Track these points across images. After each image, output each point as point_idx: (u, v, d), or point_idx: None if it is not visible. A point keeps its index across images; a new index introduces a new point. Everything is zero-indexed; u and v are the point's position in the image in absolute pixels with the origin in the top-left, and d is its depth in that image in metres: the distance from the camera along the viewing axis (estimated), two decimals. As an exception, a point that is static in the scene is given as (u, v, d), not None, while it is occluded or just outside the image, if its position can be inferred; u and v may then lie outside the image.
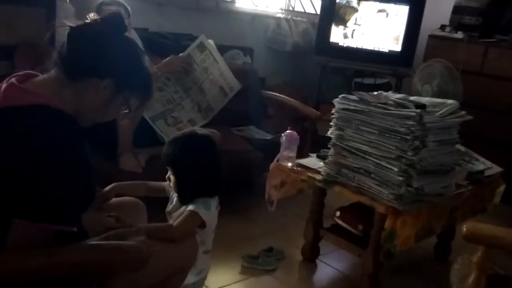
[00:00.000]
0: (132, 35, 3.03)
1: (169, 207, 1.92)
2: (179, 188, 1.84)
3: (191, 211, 1.75)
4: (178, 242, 1.63)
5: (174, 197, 1.91)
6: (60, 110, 1.27)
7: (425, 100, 2.32)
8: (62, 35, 1.35)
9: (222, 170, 1.88)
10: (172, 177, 1.84)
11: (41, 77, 1.35)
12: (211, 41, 3.28)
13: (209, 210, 1.78)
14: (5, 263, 1.17)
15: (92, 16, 1.35)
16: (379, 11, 4.22)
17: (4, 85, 1.29)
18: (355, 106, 2.24)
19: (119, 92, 1.37)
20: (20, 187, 1.18)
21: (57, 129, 1.24)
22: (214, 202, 1.83)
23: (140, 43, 3.23)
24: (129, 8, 2.78)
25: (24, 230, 1.20)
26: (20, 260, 1.18)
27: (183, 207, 1.81)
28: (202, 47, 3.21)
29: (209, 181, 1.82)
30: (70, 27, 1.33)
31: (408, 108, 2.10)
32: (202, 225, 1.78)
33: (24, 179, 1.18)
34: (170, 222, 1.84)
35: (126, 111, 1.44)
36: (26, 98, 1.25)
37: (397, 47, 4.21)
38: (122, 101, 1.40)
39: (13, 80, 1.30)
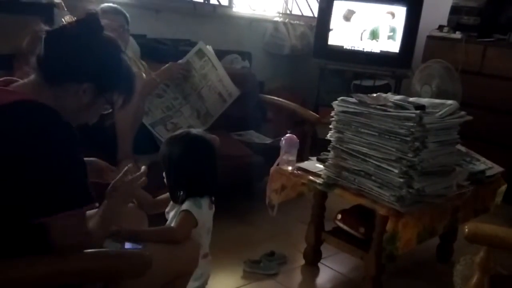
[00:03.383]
0: (131, 42, 3.04)
1: (168, 207, 1.93)
2: (170, 185, 1.85)
3: (185, 210, 1.76)
4: (180, 243, 1.65)
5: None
6: (43, 104, 1.26)
7: (424, 101, 2.32)
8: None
9: (215, 171, 1.89)
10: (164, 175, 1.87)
11: (20, 82, 1.35)
12: (209, 48, 3.29)
13: (200, 209, 1.79)
14: (7, 272, 1.17)
15: (67, 18, 1.34)
16: (378, 12, 4.23)
17: None
18: (354, 108, 2.24)
19: (100, 94, 1.37)
20: (39, 183, 1.19)
21: (45, 119, 1.24)
22: (205, 202, 1.83)
23: (138, 50, 3.26)
24: (127, 15, 2.78)
25: (63, 224, 1.22)
26: (22, 269, 1.18)
27: (177, 207, 1.83)
28: (201, 53, 3.22)
29: (199, 180, 1.83)
30: (46, 30, 1.33)
31: (408, 109, 2.09)
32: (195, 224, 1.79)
33: (36, 174, 1.19)
34: (168, 221, 1.86)
35: (109, 110, 1.45)
36: (7, 98, 1.25)
37: (396, 49, 4.21)
38: (104, 102, 1.41)
39: None
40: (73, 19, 1.34)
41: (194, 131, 1.92)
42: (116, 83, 1.40)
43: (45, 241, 1.23)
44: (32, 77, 1.34)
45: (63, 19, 1.34)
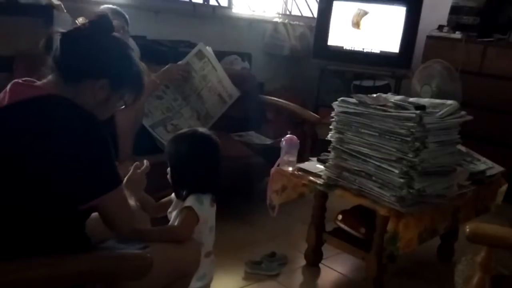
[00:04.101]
0: (130, 43, 3.03)
1: (170, 207, 1.94)
2: (173, 181, 1.88)
3: (186, 207, 1.78)
4: (182, 243, 1.66)
5: (174, 198, 1.93)
6: (65, 97, 1.35)
7: (424, 101, 2.32)
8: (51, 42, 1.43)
9: (218, 168, 1.91)
10: (169, 171, 1.89)
11: (39, 82, 1.41)
12: (209, 49, 3.29)
13: (202, 205, 1.81)
14: (8, 275, 1.18)
15: (81, 20, 1.43)
16: (377, 12, 4.22)
17: (8, 88, 1.36)
18: (355, 109, 2.24)
19: (115, 90, 1.44)
20: (83, 169, 1.29)
21: (72, 110, 1.34)
22: (207, 198, 1.84)
23: (138, 52, 3.26)
24: (127, 16, 2.78)
25: (113, 202, 1.38)
26: (23, 271, 1.20)
27: (179, 207, 1.84)
28: (200, 54, 3.21)
29: (203, 177, 1.85)
30: (62, 32, 1.40)
31: (408, 109, 2.09)
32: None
33: (79, 161, 1.28)
34: (171, 221, 1.88)
35: (122, 106, 1.52)
36: (32, 92, 1.34)
37: (396, 49, 4.21)
38: (118, 98, 1.48)
39: (15, 80, 1.38)
40: (86, 21, 1.42)
41: (200, 129, 1.95)
42: (128, 79, 1.48)
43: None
44: (51, 76, 1.40)
45: (76, 21, 1.43)
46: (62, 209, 1.31)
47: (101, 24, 1.43)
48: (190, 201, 1.80)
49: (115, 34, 1.49)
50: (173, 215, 1.88)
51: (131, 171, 1.81)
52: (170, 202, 1.93)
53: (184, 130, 1.97)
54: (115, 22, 1.72)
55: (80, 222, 1.41)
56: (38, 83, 1.39)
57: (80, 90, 1.39)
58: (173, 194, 1.94)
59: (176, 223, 1.76)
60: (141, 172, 1.82)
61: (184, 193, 1.84)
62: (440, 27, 4.34)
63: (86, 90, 1.39)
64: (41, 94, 1.33)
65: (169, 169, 1.89)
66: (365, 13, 4.21)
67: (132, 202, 1.66)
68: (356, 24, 4.24)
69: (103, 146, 1.34)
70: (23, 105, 1.31)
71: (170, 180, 1.89)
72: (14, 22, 2.79)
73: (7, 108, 1.32)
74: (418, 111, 2.05)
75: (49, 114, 1.30)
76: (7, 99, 1.33)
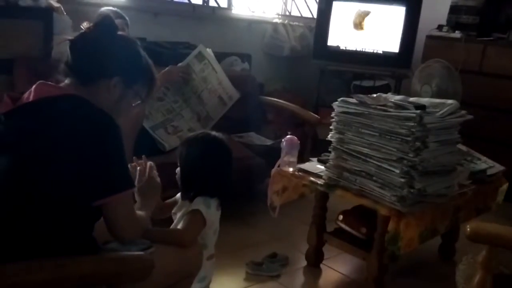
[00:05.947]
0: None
1: (175, 208, 1.94)
2: (182, 182, 1.88)
3: (193, 210, 1.78)
4: (188, 246, 1.67)
5: (180, 198, 1.93)
6: (84, 98, 1.39)
7: (424, 100, 2.32)
8: (63, 48, 1.47)
9: (228, 173, 1.91)
10: (178, 171, 1.89)
11: (61, 84, 1.46)
12: (209, 51, 3.29)
13: (209, 209, 1.80)
14: (12, 277, 1.18)
15: (85, 25, 1.46)
16: (377, 12, 4.22)
17: (33, 88, 1.40)
18: (355, 109, 2.24)
19: (129, 87, 1.48)
20: (96, 167, 1.31)
21: (91, 109, 1.37)
22: (214, 202, 1.84)
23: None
24: (127, 18, 2.78)
25: (118, 205, 1.37)
26: (25, 274, 1.19)
27: (184, 208, 1.84)
28: (200, 56, 3.22)
29: (212, 181, 1.84)
30: (69, 40, 1.45)
31: (408, 109, 2.09)
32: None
33: (94, 158, 1.31)
34: (175, 222, 1.88)
35: (138, 102, 1.56)
36: (55, 91, 1.39)
37: (395, 49, 4.21)
38: (133, 94, 1.51)
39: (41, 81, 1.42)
40: (90, 24, 1.45)
41: (213, 132, 1.95)
42: (139, 73, 1.52)
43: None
44: (67, 80, 1.45)
45: (81, 26, 1.46)
46: (73, 205, 1.32)
47: (105, 25, 1.47)
48: (197, 204, 1.79)
49: (120, 32, 1.51)
50: (177, 216, 1.88)
51: (147, 173, 1.78)
52: (175, 203, 1.93)
53: (197, 132, 1.97)
54: (119, 21, 1.74)
55: (89, 223, 1.41)
56: (60, 85, 1.44)
57: (96, 91, 1.43)
58: (178, 195, 1.94)
59: (181, 226, 1.75)
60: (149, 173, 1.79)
61: (191, 194, 1.83)
62: (440, 27, 4.34)
63: (102, 90, 1.44)
64: (61, 93, 1.38)
65: (178, 169, 1.89)
66: (367, 13, 4.21)
67: (141, 213, 1.63)
68: (359, 25, 4.24)
69: (118, 146, 1.37)
70: (44, 102, 1.36)
71: (178, 180, 1.89)
72: (14, 24, 2.79)
73: (29, 104, 1.36)
74: (418, 111, 2.05)
75: (67, 112, 1.34)
76: (31, 98, 1.37)
